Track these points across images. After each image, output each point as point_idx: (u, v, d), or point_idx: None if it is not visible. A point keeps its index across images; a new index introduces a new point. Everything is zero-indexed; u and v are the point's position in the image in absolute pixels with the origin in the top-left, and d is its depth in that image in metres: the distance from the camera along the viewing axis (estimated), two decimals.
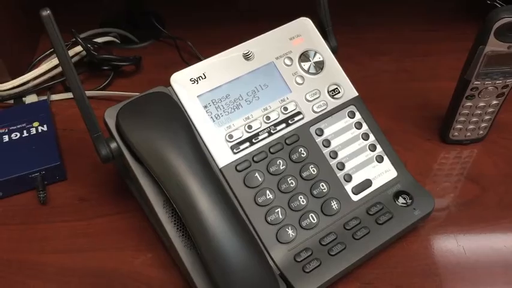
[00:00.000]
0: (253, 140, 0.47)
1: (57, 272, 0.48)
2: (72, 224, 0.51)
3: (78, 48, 0.63)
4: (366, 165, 0.49)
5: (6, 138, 0.54)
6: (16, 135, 0.54)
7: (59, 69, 0.62)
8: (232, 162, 0.45)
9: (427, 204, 0.48)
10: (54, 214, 0.52)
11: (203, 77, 0.47)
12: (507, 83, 0.50)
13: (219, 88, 0.47)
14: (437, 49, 0.67)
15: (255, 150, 0.46)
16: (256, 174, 0.45)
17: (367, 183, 0.48)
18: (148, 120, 0.42)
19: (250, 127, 0.47)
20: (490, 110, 0.53)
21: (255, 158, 0.46)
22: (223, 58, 0.48)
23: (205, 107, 0.46)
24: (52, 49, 0.65)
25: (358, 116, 0.50)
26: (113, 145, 0.43)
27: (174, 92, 0.46)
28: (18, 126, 0.55)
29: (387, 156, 0.50)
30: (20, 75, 0.61)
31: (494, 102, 0.52)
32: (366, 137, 0.50)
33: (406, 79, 0.64)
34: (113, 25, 0.71)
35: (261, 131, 0.47)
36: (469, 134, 0.55)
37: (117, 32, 0.71)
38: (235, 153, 0.46)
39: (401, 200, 0.48)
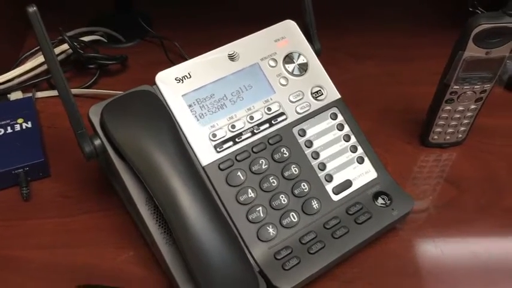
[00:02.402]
0: (237, 140, 0.47)
1: (39, 268, 0.48)
2: (55, 220, 0.51)
3: (65, 46, 0.64)
4: (346, 166, 0.50)
5: None
6: (0, 131, 0.54)
7: (45, 66, 0.62)
8: (215, 160, 0.46)
9: (405, 204, 0.49)
10: (37, 210, 0.52)
11: (188, 76, 0.48)
12: (485, 88, 0.51)
13: (204, 88, 0.48)
14: (422, 54, 0.68)
15: (238, 149, 0.47)
16: (239, 173, 0.46)
17: (348, 183, 0.49)
18: (133, 117, 0.43)
19: (233, 126, 0.47)
20: (469, 114, 0.54)
21: (237, 157, 0.47)
22: (209, 58, 0.49)
23: (190, 106, 0.47)
24: (38, 47, 0.66)
25: (340, 118, 0.51)
26: (97, 142, 0.44)
27: (159, 91, 0.46)
28: (2, 123, 0.55)
29: (368, 157, 0.51)
30: (6, 72, 0.61)
31: (473, 106, 0.53)
32: (347, 138, 0.51)
33: (390, 83, 0.65)
34: (101, 24, 0.72)
35: (244, 130, 0.48)
36: (448, 137, 0.56)
37: (104, 31, 0.71)
38: (218, 152, 0.46)
39: (380, 201, 0.49)
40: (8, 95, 0.61)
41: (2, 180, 0.52)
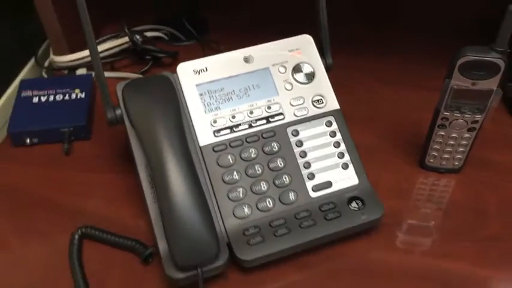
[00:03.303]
0: (234, 129, 0.54)
1: (71, 209, 0.58)
2: (85, 174, 0.62)
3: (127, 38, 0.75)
4: (330, 169, 0.55)
5: (51, 98, 0.67)
6: (60, 97, 0.67)
7: (109, 52, 0.75)
8: (211, 143, 0.53)
9: (376, 211, 0.53)
10: (73, 164, 0.63)
11: (205, 70, 0.56)
12: (476, 119, 0.53)
13: (217, 81, 0.56)
14: (441, 85, 0.71)
15: (233, 137, 0.54)
16: (229, 157, 0.53)
17: (328, 184, 0.54)
18: (145, 95, 0.52)
19: (234, 117, 0.55)
20: (463, 142, 0.56)
21: (231, 144, 0.54)
22: (226, 57, 0.57)
23: (201, 94, 0.55)
24: (108, 35, 0.78)
25: (334, 126, 0.56)
26: (118, 112, 0.53)
27: (178, 78, 0.55)
28: (63, 91, 0.67)
29: (353, 165, 0.55)
30: (77, 52, 0.74)
31: (466, 135, 0.55)
32: (337, 145, 0.55)
33: (404, 108, 0.68)
34: (167, 23, 0.83)
35: (243, 122, 0.55)
36: (444, 162, 0.59)
37: (168, 30, 0.82)
38: (216, 136, 0.54)
39: (353, 204, 0.53)
40: (76, 71, 0.74)
41: (51, 135, 0.64)
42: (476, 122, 0.54)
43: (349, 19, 0.77)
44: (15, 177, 0.62)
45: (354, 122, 0.58)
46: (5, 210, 0.59)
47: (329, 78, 0.58)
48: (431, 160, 0.59)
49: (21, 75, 0.75)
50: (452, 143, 0.56)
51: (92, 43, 0.51)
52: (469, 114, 0.53)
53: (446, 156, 0.58)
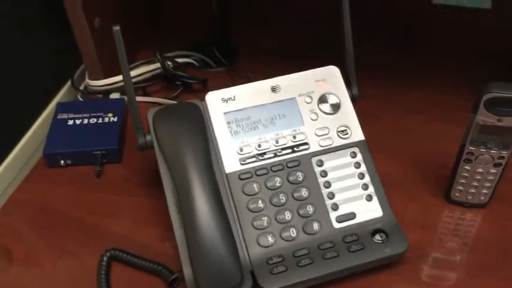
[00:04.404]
0: (260, 158, 0.55)
1: (100, 230, 0.60)
2: (114, 196, 0.64)
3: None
4: (354, 200, 0.55)
5: (86, 121, 0.69)
6: (93, 120, 0.69)
7: (141, 77, 0.77)
8: (237, 171, 0.55)
9: (399, 245, 0.53)
10: (103, 186, 0.65)
11: (233, 98, 0.57)
12: (502, 154, 0.53)
13: (244, 110, 0.57)
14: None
15: (259, 165, 0.55)
16: (254, 185, 0.54)
17: (351, 215, 0.54)
18: (174, 122, 0.54)
19: (260, 146, 0.56)
20: (490, 177, 0.56)
21: (257, 172, 0.55)
22: (254, 87, 0.58)
23: (228, 123, 0.56)
24: (141, 61, 0.81)
25: (359, 157, 0.57)
26: (148, 137, 0.55)
27: (206, 106, 0.57)
28: (97, 114, 0.70)
29: (377, 197, 0.55)
30: (111, 77, 0.76)
31: (493, 170, 0.55)
32: (361, 176, 0.56)
33: (432, 139, 0.67)
34: (198, 50, 0.85)
35: (268, 151, 0.56)
36: (470, 197, 0.58)
37: (199, 56, 0.84)
38: (242, 164, 0.55)
39: (377, 237, 0.53)
40: (110, 95, 0.77)
41: (83, 157, 0.66)
42: (502, 157, 0.53)
43: (378, 49, 0.78)
44: (49, 196, 0.64)
45: (381, 152, 0.59)
46: (38, 227, 0.62)
47: (355, 108, 0.59)
48: (457, 194, 0.59)
49: (58, 98, 0.79)
50: (478, 177, 0.56)
51: (126, 72, 0.53)
52: (495, 150, 0.53)
53: (472, 190, 0.58)
